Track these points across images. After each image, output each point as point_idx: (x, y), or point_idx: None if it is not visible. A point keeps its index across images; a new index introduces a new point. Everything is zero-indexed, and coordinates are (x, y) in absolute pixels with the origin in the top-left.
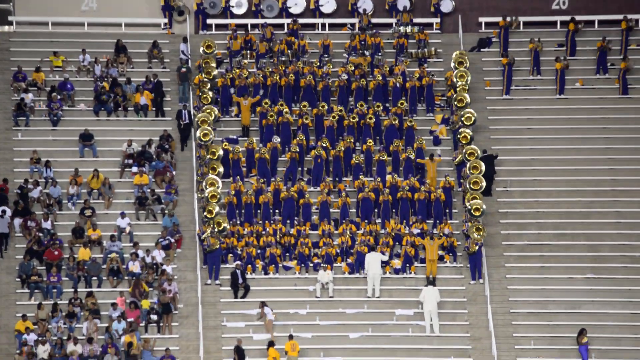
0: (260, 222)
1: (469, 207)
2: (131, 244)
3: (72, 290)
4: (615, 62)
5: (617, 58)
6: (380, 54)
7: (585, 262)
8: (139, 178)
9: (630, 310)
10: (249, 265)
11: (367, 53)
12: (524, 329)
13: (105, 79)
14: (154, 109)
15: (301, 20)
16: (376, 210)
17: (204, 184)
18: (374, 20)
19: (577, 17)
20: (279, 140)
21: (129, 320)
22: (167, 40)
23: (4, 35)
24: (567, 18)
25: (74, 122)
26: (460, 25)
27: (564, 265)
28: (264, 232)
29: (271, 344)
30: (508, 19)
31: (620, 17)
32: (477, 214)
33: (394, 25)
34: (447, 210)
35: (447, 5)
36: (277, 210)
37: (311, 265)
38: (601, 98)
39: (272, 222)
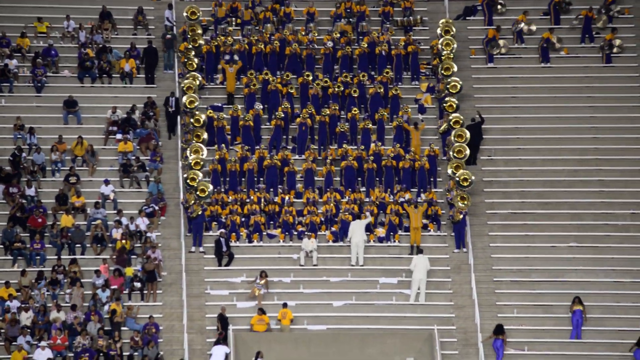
0: (245, 190)
1: (458, 177)
2: (115, 212)
3: (56, 257)
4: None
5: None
6: (365, 21)
7: (569, 230)
8: (123, 145)
9: (613, 279)
10: (233, 233)
11: (352, 21)
12: (507, 297)
13: (90, 46)
14: (138, 75)
15: None
16: (360, 179)
17: (188, 151)
18: None
19: None
20: (261, 107)
21: (112, 287)
22: (152, 7)
23: None
24: None
25: (58, 89)
26: None
27: (547, 234)
28: (248, 200)
29: (262, 311)
30: None
31: None
32: (465, 184)
33: None
34: (432, 179)
35: None
36: (261, 178)
37: (295, 233)
38: (586, 67)
39: (256, 190)
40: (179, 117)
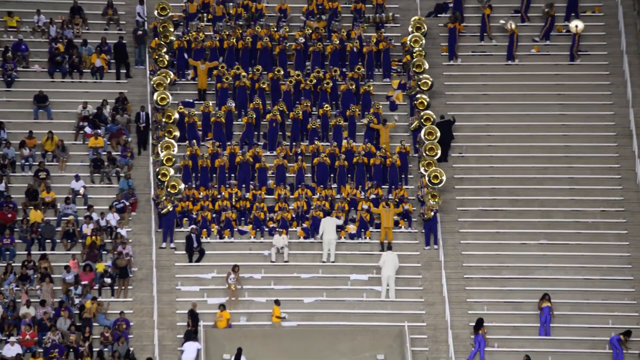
0: (216, 186)
1: (428, 175)
2: (85, 207)
3: (26, 252)
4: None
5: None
6: (337, 18)
7: (539, 228)
8: (94, 140)
9: (582, 276)
10: (204, 229)
11: (324, 17)
12: (477, 294)
13: (60, 40)
14: (109, 71)
15: None
16: (332, 175)
17: (159, 147)
18: None
19: None
20: (233, 104)
21: (83, 283)
22: (123, 2)
23: None
24: None
25: (28, 84)
26: None
27: (517, 231)
28: (219, 196)
29: (223, 306)
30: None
31: None
32: (436, 182)
33: None
34: (403, 176)
35: None
36: (232, 175)
37: (266, 229)
38: (556, 65)
39: (227, 186)
40: (150, 133)
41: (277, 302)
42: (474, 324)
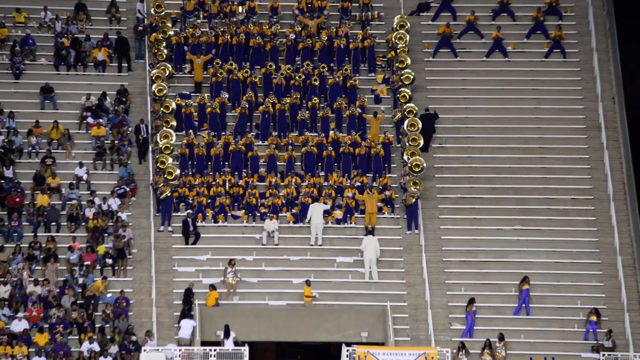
0: (211, 173)
1: (410, 163)
2: (88, 192)
3: (32, 234)
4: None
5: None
6: (325, 16)
7: (514, 214)
8: (96, 130)
9: (554, 259)
10: (200, 214)
11: (316, 15)
12: (455, 276)
13: (65, 35)
14: (112, 64)
15: None
16: (320, 164)
17: (158, 136)
18: None
19: None
20: (226, 95)
21: (85, 263)
22: (124, 0)
23: None
24: None
25: (35, 76)
26: None
27: (494, 217)
28: (214, 183)
29: (213, 287)
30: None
31: None
32: (417, 169)
33: None
34: (386, 165)
35: None
36: (226, 163)
37: (258, 214)
38: (531, 61)
39: (221, 173)
40: (149, 145)
41: (307, 282)
42: (452, 304)
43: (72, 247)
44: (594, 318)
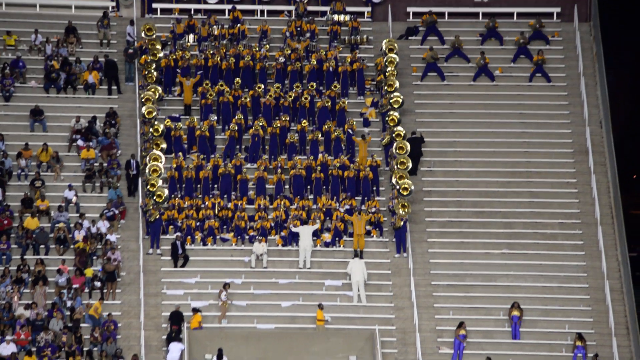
0: (200, 196)
1: (398, 186)
2: (77, 215)
3: (20, 257)
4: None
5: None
6: (315, 39)
7: (501, 238)
8: (86, 152)
9: (541, 283)
10: (189, 237)
11: (302, 39)
12: (443, 299)
13: (55, 58)
14: (101, 87)
15: (241, 7)
16: (308, 187)
17: (147, 158)
18: (310, 8)
19: (497, 10)
20: (215, 118)
21: (74, 286)
22: (115, 23)
23: None
24: (490, 10)
25: (25, 98)
26: (390, 14)
27: (481, 240)
28: (203, 206)
29: (195, 310)
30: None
31: (538, 10)
32: (405, 193)
33: (327, 13)
34: (375, 188)
35: None
36: (215, 185)
37: (247, 237)
38: (518, 85)
39: (211, 196)
40: (140, 180)
41: (320, 306)
42: (441, 327)
43: (60, 269)
44: (579, 343)
